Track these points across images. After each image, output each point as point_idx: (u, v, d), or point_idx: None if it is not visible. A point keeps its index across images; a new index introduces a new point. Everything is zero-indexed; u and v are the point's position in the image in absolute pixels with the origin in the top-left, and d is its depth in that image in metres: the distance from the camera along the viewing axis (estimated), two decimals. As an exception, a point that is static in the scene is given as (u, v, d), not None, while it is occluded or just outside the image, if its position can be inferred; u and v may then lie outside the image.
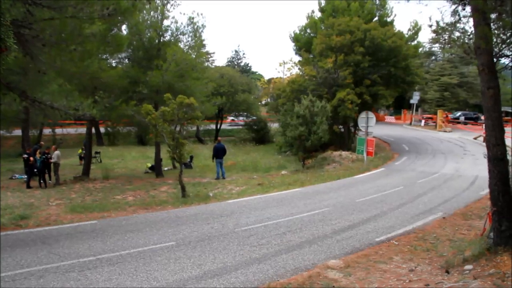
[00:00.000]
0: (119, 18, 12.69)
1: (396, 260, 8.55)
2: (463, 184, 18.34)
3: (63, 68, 11.94)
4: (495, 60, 7.86)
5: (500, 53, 8.29)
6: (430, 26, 9.28)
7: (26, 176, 21.00)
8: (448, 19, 8.86)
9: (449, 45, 10.37)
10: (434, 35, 10.19)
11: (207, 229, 10.74)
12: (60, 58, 11.07)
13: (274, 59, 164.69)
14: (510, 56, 8.56)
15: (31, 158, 20.69)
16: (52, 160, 20.77)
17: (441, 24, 9.18)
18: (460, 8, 8.51)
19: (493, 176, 7.54)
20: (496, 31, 8.39)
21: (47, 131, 39.16)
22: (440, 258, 8.56)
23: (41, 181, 20.55)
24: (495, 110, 7.47)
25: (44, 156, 20.42)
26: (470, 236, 10.06)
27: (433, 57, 64.07)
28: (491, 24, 7.96)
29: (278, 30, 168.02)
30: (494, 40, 8.15)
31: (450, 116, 53.59)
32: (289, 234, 10.30)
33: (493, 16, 8.12)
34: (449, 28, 9.10)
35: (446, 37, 9.52)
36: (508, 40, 8.32)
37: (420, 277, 7.31)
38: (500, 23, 8.20)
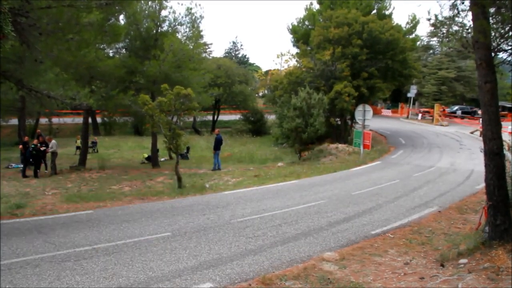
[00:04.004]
0: (117, 7, 12.61)
1: (391, 253, 8.59)
2: (459, 178, 18.40)
3: (59, 57, 11.85)
4: (493, 54, 7.86)
5: (499, 47, 8.29)
6: (429, 19, 9.27)
7: (22, 165, 20.98)
8: (447, 13, 8.87)
9: (447, 39, 10.37)
10: (432, 28, 10.18)
11: (203, 220, 10.75)
12: (56, 47, 11.00)
13: (272, 51, 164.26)
14: (509, 51, 8.56)
15: (20, 146, 20.63)
16: (49, 150, 20.79)
17: (440, 18, 9.18)
18: (459, 2, 8.49)
19: (489, 170, 7.57)
20: (494, 25, 8.39)
21: (43, 120, 39.10)
22: (435, 252, 8.60)
23: (37, 170, 20.55)
24: (492, 104, 7.48)
25: (33, 145, 20.33)
26: (465, 230, 10.11)
27: (431, 51, 64.01)
28: (490, 18, 7.95)
29: (277, 22, 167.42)
30: (493, 34, 8.15)
31: (447, 110, 53.66)
32: (284, 226, 10.33)
33: (492, 10, 8.11)
34: (448, 22, 9.09)
35: (445, 31, 9.52)
36: (507, 35, 8.32)
37: (415, 270, 7.36)
38: (499, 17, 8.20)
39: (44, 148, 20.43)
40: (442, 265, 7.36)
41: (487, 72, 7.47)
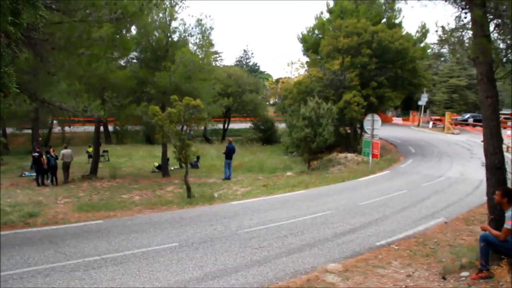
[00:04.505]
0: (128, 19, 12.90)
1: (394, 265, 8.67)
2: (468, 188, 18.36)
3: (71, 71, 12.21)
4: (499, 66, 7.93)
5: (505, 58, 8.34)
6: (436, 31, 9.38)
7: (35, 174, 21.40)
8: (453, 24, 8.97)
9: (454, 49, 10.46)
10: (441, 38, 10.27)
11: (210, 230, 10.93)
12: (68, 62, 11.32)
13: (283, 59, 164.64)
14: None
15: (34, 155, 20.98)
16: (59, 159, 21.24)
17: (447, 28, 9.28)
18: (463, 15, 8.61)
19: (490, 184, 7.66)
20: (500, 37, 8.45)
21: (56, 128, 39.76)
22: (438, 264, 8.64)
23: (53, 178, 20.99)
24: (493, 119, 7.58)
25: (37, 153, 20.71)
26: (470, 242, 10.14)
27: (442, 59, 63.77)
28: (497, 27, 8.03)
29: (288, 30, 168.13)
30: (499, 45, 8.24)
31: (458, 118, 53.33)
32: (290, 237, 10.46)
33: (498, 21, 8.19)
34: (454, 34, 9.19)
35: (451, 42, 9.62)
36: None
37: (416, 283, 7.44)
38: (503, 30, 8.27)
39: (38, 155, 20.72)
40: (444, 278, 7.42)
41: (488, 87, 7.57)
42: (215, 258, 8.69)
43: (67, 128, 40.52)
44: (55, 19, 10.50)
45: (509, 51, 8.36)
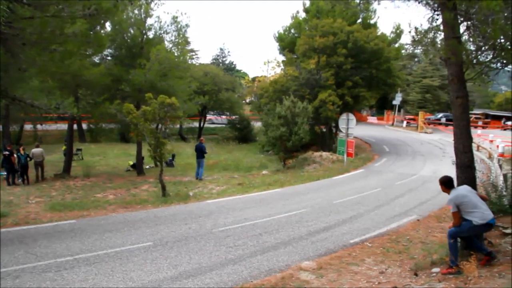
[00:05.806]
0: (102, 17, 12.68)
1: (368, 262, 8.79)
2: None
3: (43, 67, 11.94)
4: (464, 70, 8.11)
5: (475, 59, 8.52)
6: (409, 32, 9.53)
7: (5, 173, 20.85)
8: (426, 25, 9.13)
9: (427, 50, 10.64)
10: (414, 39, 10.44)
11: (184, 229, 10.88)
12: (40, 58, 11.07)
13: (259, 57, 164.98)
14: (483, 64, 8.80)
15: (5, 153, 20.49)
16: (29, 159, 20.77)
17: (420, 30, 9.44)
18: (435, 16, 8.77)
19: (460, 182, 7.85)
20: (471, 38, 8.64)
21: (28, 126, 38.84)
22: (410, 261, 8.81)
23: (24, 177, 20.51)
24: (463, 118, 7.75)
25: (8, 152, 20.21)
26: (441, 239, 10.36)
27: (416, 59, 64.95)
28: (467, 29, 8.20)
29: (265, 29, 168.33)
30: (470, 47, 8.42)
31: (431, 117, 54.41)
32: (265, 235, 10.49)
33: (468, 23, 8.36)
34: (427, 35, 9.36)
35: (424, 43, 9.79)
36: (483, 48, 8.55)
37: (389, 279, 7.56)
38: (473, 32, 8.46)
39: (8, 154, 20.24)
40: (416, 274, 7.56)
41: (459, 87, 7.73)
42: (189, 257, 8.66)
43: (39, 126, 39.57)
44: (27, 13, 10.26)
45: (479, 52, 8.57)
